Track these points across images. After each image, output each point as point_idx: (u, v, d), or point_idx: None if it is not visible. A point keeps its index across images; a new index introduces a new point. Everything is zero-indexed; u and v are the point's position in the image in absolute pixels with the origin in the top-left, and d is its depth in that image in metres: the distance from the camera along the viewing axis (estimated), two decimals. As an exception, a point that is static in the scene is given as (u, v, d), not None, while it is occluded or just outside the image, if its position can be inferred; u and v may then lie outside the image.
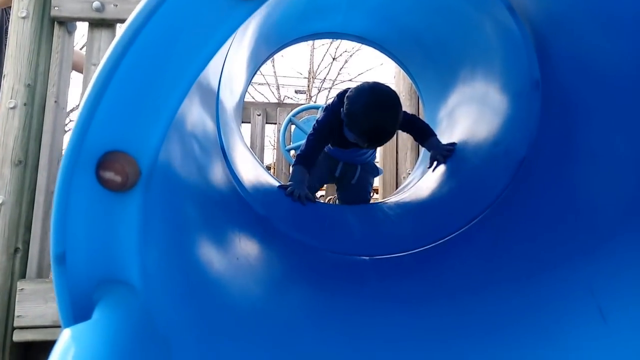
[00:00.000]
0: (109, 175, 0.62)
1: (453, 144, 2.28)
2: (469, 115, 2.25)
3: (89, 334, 0.57)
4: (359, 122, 2.07)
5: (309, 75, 13.73)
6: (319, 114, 2.50)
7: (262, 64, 2.94)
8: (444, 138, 2.40)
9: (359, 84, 2.23)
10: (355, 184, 2.63)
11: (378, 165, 2.93)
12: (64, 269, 0.61)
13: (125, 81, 0.59)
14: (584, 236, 1.27)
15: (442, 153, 2.29)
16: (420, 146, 3.38)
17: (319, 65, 13.78)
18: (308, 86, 13.58)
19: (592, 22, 1.28)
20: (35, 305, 1.87)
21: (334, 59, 13.58)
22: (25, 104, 2.06)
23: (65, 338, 0.55)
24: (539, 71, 1.67)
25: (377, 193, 4.21)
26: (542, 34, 1.61)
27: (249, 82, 2.89)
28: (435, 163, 2.33)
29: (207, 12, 0.62)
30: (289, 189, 2.10)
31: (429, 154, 2.43)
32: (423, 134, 2.40)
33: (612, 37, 1.23)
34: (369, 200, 2.76)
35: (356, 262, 1.76)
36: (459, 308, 1.33)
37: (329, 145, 2.51)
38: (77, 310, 0.62)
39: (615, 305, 1.04)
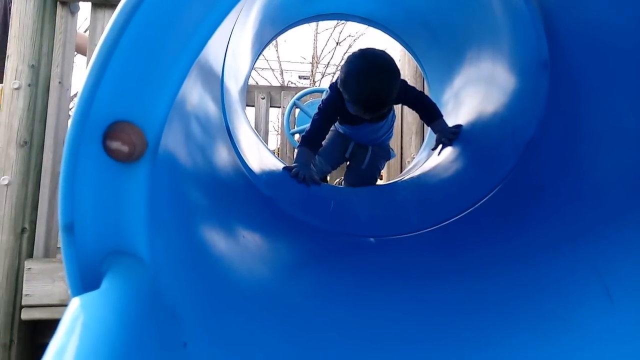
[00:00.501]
0: (115, 145, 0.62)
1: (459, 126, 2.26)
2: (475, 97, 2.24)
3: (97, 302, 0.57)
4: (352, 90, 2.02)
5: (312, 60, 13.63)
6: (323, 96, 2.47)
7: (267, 45, 2.92)
8: (450, 120, 2.38)
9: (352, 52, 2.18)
10: (365, 169, 2.59)
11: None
12: (72, 238, 0.61)
13: (130, 49, 0.59)
14: (590, 215, 1.26)
15: (447, 136, 2.27)
16: (425, 130, 3.37)
17: (322, 50, 13.67)
18: (312, 71, 13.50)
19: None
20: (43, 285, 1.89)
21: (337, 43, 13.45)
22: (29, 85, 2.06)
23: (74, 306, 0.55)
24: (548, 50, 1.64)
25: (381, 179, 4.21)
26: (550, 10, 1.59)
27: (253, 64, 2.87)
28: (440, 146, 2.32)
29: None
30: (294, 170, 2.09)
31: (434, 135, 2.42)
32: (430, 114, 2.35)
33: (621, 13, 1.21)
34: (375, 185, 2.74)
35: (362, 243, 1.76)
36: (463, 287, 1.33)
37: (338, 123, 2.46)
38: (85, 280, 0.62)
39: (622, 284, 1.03)
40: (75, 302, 0.56)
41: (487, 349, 1.07)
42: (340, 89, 2.08)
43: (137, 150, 0.63)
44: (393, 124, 2.64)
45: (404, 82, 2.31)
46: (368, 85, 1.97)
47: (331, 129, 2.53)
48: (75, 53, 2.47)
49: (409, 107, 2.49)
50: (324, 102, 2.26)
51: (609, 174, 1.29)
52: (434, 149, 2.36)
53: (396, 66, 2.09)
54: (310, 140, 2.21)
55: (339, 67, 2.12)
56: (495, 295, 1.25)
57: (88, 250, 0.62)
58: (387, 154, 2.72)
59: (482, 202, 1.78)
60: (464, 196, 1.85)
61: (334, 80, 2.31)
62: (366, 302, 1.29)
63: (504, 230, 1.57)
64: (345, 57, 2.24)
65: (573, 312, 1.07)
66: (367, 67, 2.00)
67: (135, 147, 0.63)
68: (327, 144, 2.57)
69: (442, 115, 2.34)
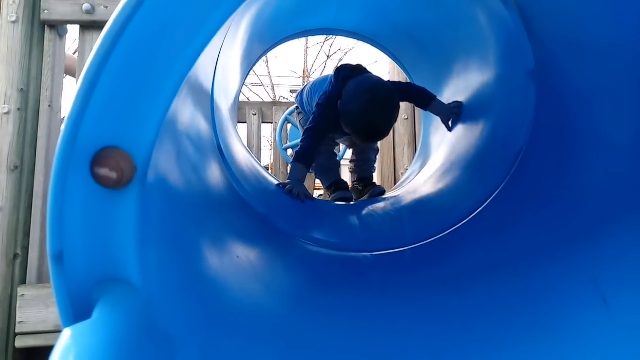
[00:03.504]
0: (104, 172, 0.61)
1: (458, 101, 2.27)
2: (465, 108, 2.25)
3: (89, 333, 0.56)
4: (354, 120, 2.10)
5: (303, 74, 13.70)
6: (314, 109, 2.44)
7: (257, 62, 2.93)
8: (440, 132, 2.40)
9: (359, 76, 2.21)
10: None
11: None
12: (62, 268, 0.60)
13: (116, 74, 0.58)
14: (584, 222, 1.27)
15: (452, 111, 2.27)
16: (417, 141, 3.38)
17: (313, 64, 13.76)
18: (303, 85, 13.56)
19: (584, 2, 1.27)
20: (37, 311, 1.86)
21: (328, 56, 13.55)
22: (19, 109, 2.05)
23: (65, 338, 0.54)
24: (533, 59, 1.66)
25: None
26: (533, 21, 1.61)
27: (243, 81, 2.88)
28: (450, 123, 2.32)
29: (197, 2, 0.61)
30: (287, 187, 2.09)
31: (427, 147, 2.43)
32: (424, 99, 2.38)
33: (603, 22, 1.23)
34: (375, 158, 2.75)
35: (358, 259, 1.75)
36: (461, 298, 1.32)
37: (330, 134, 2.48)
38: (76, 310, 0.61)
39: (619, 290, 1.03)
40: (66, 334, 0.55)
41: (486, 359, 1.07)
42: (341, 114, 2.14)
43: (126, 176, 0.63)
44: None
45: (389, 82, 2.34)
46: (372, 122, 2.08)
47: None
48: (65, 75, 2.47)
49: (401, 101, 2.52)
50: (316, 118, 2.24)
51: (599, 179, 1.30)
52: (450, 130, 2.34)
53: (397, 99, 2.16)
54: (304, 156, 2.20)
55: (344, 90, 2.18)
56: (493, 304, 1.25)
57: (78, 279, 0.62)
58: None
59: (476, 212, 1.78)
60: (458, 208, 1.85)
61: (325, 96, 2.29)
62: (366, 318, 1.29)
63: (500, 240, 1.57)
64: (340, 73, 2.26)
65: (570, 322, 1.06)
66: (373, 104, 2.07)
67: (123, 173, 0.62)
68: (321, 161, 2.58)
69: (435, 96, 2.35)
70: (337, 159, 2.87)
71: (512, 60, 1.80)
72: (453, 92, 2.38)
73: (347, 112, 2.11)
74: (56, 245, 0.60)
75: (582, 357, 0.95)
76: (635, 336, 0.92)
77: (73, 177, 0.59)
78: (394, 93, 2.15)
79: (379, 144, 3.68)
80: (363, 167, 2.67)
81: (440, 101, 2.34)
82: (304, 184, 2.21)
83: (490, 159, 1.92)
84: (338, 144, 2.77)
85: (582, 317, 1.05)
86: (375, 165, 2.82)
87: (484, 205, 1.77)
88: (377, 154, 2.78)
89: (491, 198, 1.76)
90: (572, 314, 1.08)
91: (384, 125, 2.11)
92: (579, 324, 1.04)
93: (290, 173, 2.26)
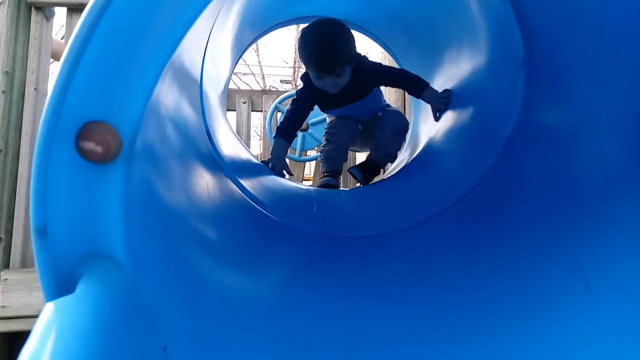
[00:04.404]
0: (89, 145, 0.60)
1: (447, 90, 2.26)
2: (455, 96, 2.25)
3: (72, 306, 0.56)
4: (302, 54, 2.14)
5: (294, 64, 13.61)
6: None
7: (247, 48, 2.91)
8: (429, 120, 2.40)
9: None
10: (382, 117, 2.48)
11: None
12: (45, 242, 0.60)
13: (102, 47, 0.57)
14: (570, 210, 1.27)
15: (442, 101, 2.25)
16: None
17: (304, 54, 13.66)
18: (293, 75, 13.47)
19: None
20: (20, 296, 1.84)
21: (319, 47, 13.45)
22: (4, 92, 2.02)
23: (48, 312, 0.54)
24: (523, 48, 1.66)
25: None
26: (524, 9, 1.61)
27: (233, 67, 2.86)
28: (438, 114, 2.31)
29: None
30: (270, 164, 2.26)
31: (417, 135, 2.43)
32: (417, 87, 2.34)
33: (595, 4, 1.22)
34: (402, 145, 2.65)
35: (346, 245, 1.75)
36: (445, 284, 1.33)
37: (321, 110, 2.54)
38: (60, 284, 0.60)
39: (602, 278, 1.04)
40: (49, 307, 0.55)
41: (475, 345, 1.07)
42: (300, 59, 2.20)
43: (112, 151, 0.62)
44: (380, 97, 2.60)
45: (379, 63, 2.36)
46: (313, 43, 2.09)
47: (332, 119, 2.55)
48: (52, 60, 2.43)
49: (392, 86, 2.52)
50: (297, 92, 2.37)
51: (586, 168, 1.31)
52: (437, 120, 2.33)
53: (345, 26, 2.18)
54: (283, 130, 2.31)
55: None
56: (480, 291, 1.26)
57: (62, 254, 0.61)
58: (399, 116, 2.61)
59: (463, 199, 1.79)
60: (445, 195, 1.86)
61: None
62: (353, 303, 1.29)
63: (487, 227, 1.58)
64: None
65: (556, 308, 1.07)
66: (313, 26, 2.15)
67: (109, 148, 0.61)
68: (334, 128, 2.52)
69: (428, 84, 2.32)
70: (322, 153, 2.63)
71: (502, 48, 1.80)
72: (443, 80, 2.39)
73: (298, 48, 2.16)
74: (39, 218, 0.59)
75: (568, 341, 0.96)
76: (615, 320, 0.93)
77: (57, 149, 0.58)
78: (334, 19, 2.20)
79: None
80: (376, 151, 2.53)
81: (434, 89, 2.31)
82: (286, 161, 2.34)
83: (479, 147, 1.93)
84: (356, 132, 2.57)
85: (568, 304, 1.06)
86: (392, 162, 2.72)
87: (471, 193, 1.78)
88: (398, 149, 2.63)
89: (478, 186, 1.77)
90: (558, 300, 1.09)
91: (327, 41, 2.07)
92: (565, 310, 1.05)
93: (272, 149, 2.36)
